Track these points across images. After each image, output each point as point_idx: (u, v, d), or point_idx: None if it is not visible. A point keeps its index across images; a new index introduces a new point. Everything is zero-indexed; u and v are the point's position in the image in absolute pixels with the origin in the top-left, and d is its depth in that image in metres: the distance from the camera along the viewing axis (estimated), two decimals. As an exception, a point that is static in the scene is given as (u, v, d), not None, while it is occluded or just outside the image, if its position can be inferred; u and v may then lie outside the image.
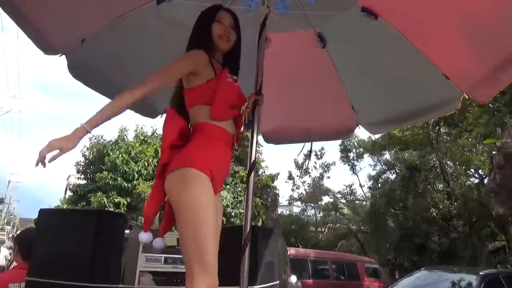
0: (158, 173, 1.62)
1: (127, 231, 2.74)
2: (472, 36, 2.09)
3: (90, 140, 15.86)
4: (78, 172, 15.81)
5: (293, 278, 7.19)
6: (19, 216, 51.07)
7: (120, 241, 2.17)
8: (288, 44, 2.80)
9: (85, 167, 15.63)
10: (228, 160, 1.71)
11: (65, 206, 16.79)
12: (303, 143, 3.35)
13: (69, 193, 17.77)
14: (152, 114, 2.99)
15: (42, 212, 2.08)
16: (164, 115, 2.77)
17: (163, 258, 2.50)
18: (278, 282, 2.80)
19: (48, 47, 2.24)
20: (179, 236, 1.49)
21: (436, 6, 2.05)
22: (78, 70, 2.43)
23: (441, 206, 14.88)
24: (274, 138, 3.26)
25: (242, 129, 1.80)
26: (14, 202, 40.95)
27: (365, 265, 10.03)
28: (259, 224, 9.03)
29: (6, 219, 39.01)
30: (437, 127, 15.65)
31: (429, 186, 16.37)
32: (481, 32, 2.05)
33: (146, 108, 2.94)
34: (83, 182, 15.76)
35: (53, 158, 1.31)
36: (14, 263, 2.95)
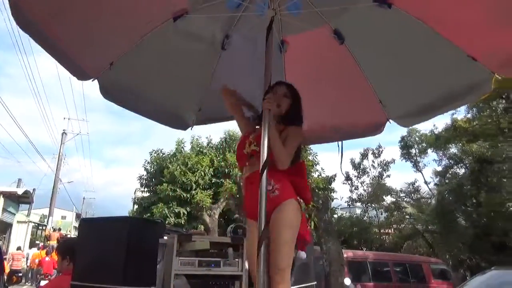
0: None
1: (165, 237, 2.89)
2: (495, 13, 1.94)
3: (151, 154, 16.85)
4: (141, 185, 16.82)
5: (347, 281, 6.97)
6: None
7: (154, 246, 2.30)
8: (308, 45, 2.80)
9: (147, 180, 16.59)
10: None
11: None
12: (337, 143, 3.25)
13: (136, 206, 18.96)
14: (183, 127, 3.12)
15: (82, 221, 2.28)
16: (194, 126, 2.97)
17: (197, 261, 2.60)
18: (314, 283, 2.77)
19: (81, 74, 2.47)
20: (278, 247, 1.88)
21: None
22: (109, 92, 2.63)
23: (519, 200, 13.51)
24: (305, 138, 3.23)
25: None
26: (90, 217, 44.35)
27: (431, 266, 9.42)
28: (311, 227, 8.90)
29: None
30: (508, 114, 14.36)
31: (503, 179, 14.92)
32: (504, 6, 1.89)
33: (177, 121, 3.10)
34: (146, 194, 16.73)
35: None
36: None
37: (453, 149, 17.61)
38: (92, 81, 2.54)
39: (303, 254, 2.04)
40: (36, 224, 22.85)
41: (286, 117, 2.23)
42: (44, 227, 21.23)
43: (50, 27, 2.10)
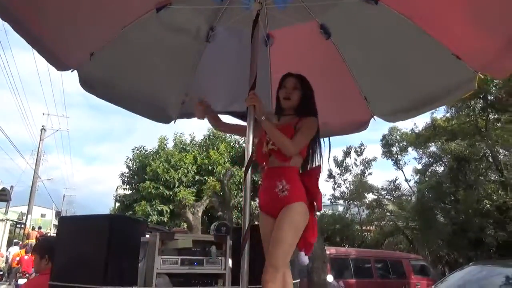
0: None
1: (147, 235, 2.82)
2: (480, 11, 1.95)
3: (133, 151, 16.58)
4: (123, 183, 16.53)
5: (330, 278, 7.02)
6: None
7: (135, 244, 2.23)
8: (294, 39, 2.78)
9: (130, 177, 16.32)
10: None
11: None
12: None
13: (118, 204, 18.63)
14: (166, 120, 3.06)
15: (62, 219, 2.19)
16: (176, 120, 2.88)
17: (179, 260, 2.55)
18: (298, 280, 2.75)
19: (60, 64, 2.36)
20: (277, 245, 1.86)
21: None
22: (89, 83, 2.54)
23: (495, 197, 13.88)
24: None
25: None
26: (70, 215, 43.51)
27: (411, 262, 9.59)
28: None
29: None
30: (485, 114, 14.74)
31: (480, 177, 15.33)
32: (489, 5, 1.91)
33: (159, 114, 3.02)
34: (128, 192, 16.44)
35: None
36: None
37: (433, 148, 17.91)
38: (72, 71, 2.45)
39: (305, 258, 2.01)
40: (15, 222, 22.21)
41: (298, 109, 2.21)
42: (23, 225, 20.68)
43: (27, 14, 2.01)
